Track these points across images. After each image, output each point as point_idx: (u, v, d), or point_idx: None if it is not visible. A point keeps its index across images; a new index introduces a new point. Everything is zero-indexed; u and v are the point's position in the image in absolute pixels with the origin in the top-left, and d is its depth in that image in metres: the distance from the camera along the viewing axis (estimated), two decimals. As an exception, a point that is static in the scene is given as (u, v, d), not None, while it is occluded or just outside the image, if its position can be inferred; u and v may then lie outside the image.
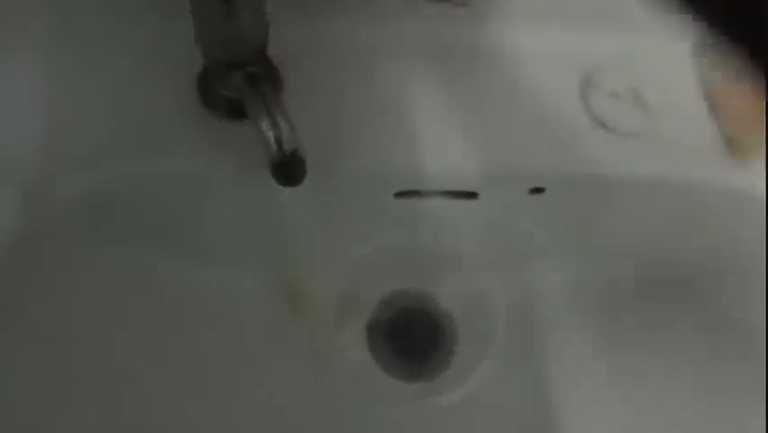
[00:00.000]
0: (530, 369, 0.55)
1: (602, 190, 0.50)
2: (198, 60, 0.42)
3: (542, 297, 0.57)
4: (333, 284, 0.55)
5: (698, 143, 0.51)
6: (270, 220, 0.47)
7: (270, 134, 0.38)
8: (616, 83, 0.52)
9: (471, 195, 0.50)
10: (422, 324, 0.57)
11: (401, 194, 0.49)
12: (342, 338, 0.56)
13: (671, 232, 0.53)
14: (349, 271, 0.55)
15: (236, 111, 0.42)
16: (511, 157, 0.48)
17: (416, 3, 0.51)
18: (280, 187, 0.41)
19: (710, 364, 0.54)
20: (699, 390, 0.52)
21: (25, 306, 0.42)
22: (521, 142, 0.49)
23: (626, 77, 0.52)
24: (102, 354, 0.45)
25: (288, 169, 0.39)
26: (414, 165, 0.47)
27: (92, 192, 0.42)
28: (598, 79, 0.51)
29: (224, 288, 0.51)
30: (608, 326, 0.56)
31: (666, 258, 0.54)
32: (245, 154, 0.43)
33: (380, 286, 0.57)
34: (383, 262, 0.55)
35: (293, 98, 0.44)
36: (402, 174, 0.48)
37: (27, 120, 0.43)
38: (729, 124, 0.53)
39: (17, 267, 0.41)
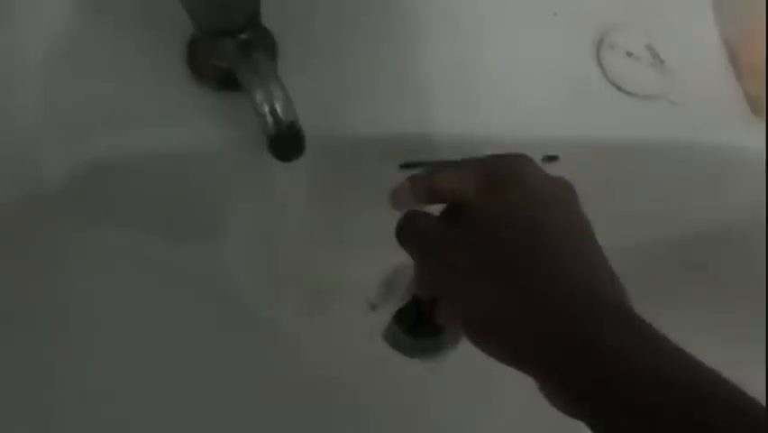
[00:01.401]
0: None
1: (619, 156, 0.48)
2: (188, 28, 0.40)
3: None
4: (333, 261, 0.53)
5: (719, 103, 0.49)
6: (267, 196, 0.45)
7: (265, 107, 0.35)
8: (632, 42, 0.49)
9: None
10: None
11: (407, 165, 0.47)
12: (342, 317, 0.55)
13: (690, 198, 0.51)
14: (349, 250, 0.53)
15: (229, 82, 0.39)
16: (523, 123, 0.45)
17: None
18: (277, 161, 0.38)
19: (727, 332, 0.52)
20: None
21: (12, 282, 0.40)
22: (533, 107, 0.46)
23: (641, 34, 0.49)
24: (90, 333, 0.44)
25: (286, 142, 0.37)
26: (420, 135, 0.44)
27: (78, 167, 0.40)
28: (613, 39, 0.48)
29: (215, 265, 0.49)
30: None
31: (688, 224, 0.52)
32: (239, 128, 0.41)
33: (382, 264, 0.55)
34: (387, 239, 0.53)
35: (289, 67, 0.42)
36: (408, 144, 0.45)
37: (11, 94, 0.40)
38: (752, 81, 0.50)
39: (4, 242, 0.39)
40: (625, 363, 0.25)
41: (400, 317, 0.41)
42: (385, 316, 0.42)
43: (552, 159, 0.47)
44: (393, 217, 0.52)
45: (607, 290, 0.28)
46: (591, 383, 0.26)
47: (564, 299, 0.27)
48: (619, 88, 0.47)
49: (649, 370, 0.25)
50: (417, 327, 0.40)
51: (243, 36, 0.38)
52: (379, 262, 0.55)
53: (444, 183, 0.33)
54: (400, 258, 0.53)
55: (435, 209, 0.35)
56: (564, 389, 0.27)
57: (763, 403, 0.24)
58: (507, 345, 0.29)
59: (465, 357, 0.34)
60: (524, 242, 0.29)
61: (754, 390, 0.24)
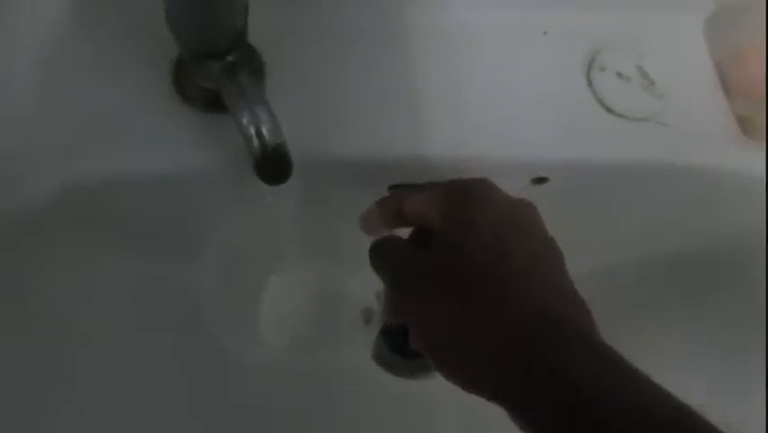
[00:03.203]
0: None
1: (609, 177, 0.47)
2: (174, 48, 0.39)
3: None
4: (325, 282, 0.52)
5: (710, 125, 0.49)
6: (255, 218, 0.44)
7: (251, 129, 0.35)
8: (622, 63, 0.49)
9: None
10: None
11: (396, 187, 0.46)
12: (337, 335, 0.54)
13: (682, 220, 0.51)
14: (341, 270, 0.52)
15: (215, 103, 0.39)
16: (513, 145, 0.45)
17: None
18: (264, 184, 0.38)
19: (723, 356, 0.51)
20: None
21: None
22: (523, 128, 0.45)
23: (632, 55, 0.49)
24: (67, 351, 0.43)
25: (272, 165, 0.36)
26: (409, 156, 0.44)
27: (62, 186, 0.39)
28: (603, 60, 0.48)
29: (198, 286, 0.49)
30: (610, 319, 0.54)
31: (677, 247, 0.52)
32: (226, 150, 0.40)
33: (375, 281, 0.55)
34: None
35: (277, 88, 0.41)
36: (396, 166, 0.44)
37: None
38: (743, 103, 0.50)
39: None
40: (587, 390, 0.25)
41: (385, 337, 0.40)
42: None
43: (541, 180, 0.47)
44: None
45: (571, 314, 0.28)
46: (553, 410, 0.26)
47: (527, 323, 0.27)
48: (609, 110, 0.47)
49: (611, 397, 0.25)
50: (403, 347, 0.39)
51: (230, 58, 0.37)
52: (369, 283, 0.54)
53: (412, 207, 0.34)
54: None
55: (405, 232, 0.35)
56: (523, 413, 0.27)
57: None
58: (468, 370, 0.29)
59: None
60: (487, 266, 0.29)
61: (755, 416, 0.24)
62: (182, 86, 0.41)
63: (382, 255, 0.34)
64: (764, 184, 0.47)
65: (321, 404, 0.51)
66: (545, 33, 0.49)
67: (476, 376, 0.28)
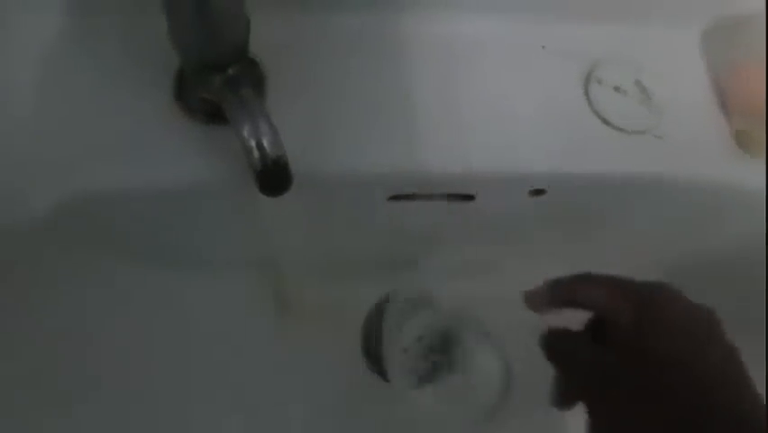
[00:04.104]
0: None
1: (606, 190, 0.48)
2: (176, 61, 0.40)
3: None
4: (325, 290, 0.52)
5: (707, 138, 0.49)
6: (255, 228, 0.45)
7: (252, 141, 0.35)
8: (620, 77, 0.49)
9: (468, 197, 0.47)
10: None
11: (395, 197, 0.46)
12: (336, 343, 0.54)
13: (680, 233, 0.51)
14: (342, 278, 0.52)
15: (217, 115, 0.39)
16: (510, 157, 0.45)
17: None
18: (265, 196, 0.38)
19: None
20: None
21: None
22: (520, 141, 0.46)
23: (630, 69, 0.50)
24: (72, 363, 0.44)
25: (273, 177, 0.37)
26: (408, 168, 0.44)
27: (65, 199, 0.40)
28: (601, 74, 0.49)
29: (204, 295, 0.49)
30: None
31: (675, 259, 0.52)
32: (227, 161, 0.40)
33: (376, 291, 0.55)
34: (378, 268, 0.53)
35: (277, 101, 0.42)
36: (395, 177, 0.45)
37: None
38: (740, 117, 0.50)
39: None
40: None
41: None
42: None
43: (539, 192, 0.47)
44: (380, 249, 0.52)
45: (759, 417, 0.29)
46: None
47: (721, 428, 0.29)
48: (606, 123, 0.47)
49: None
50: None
51: (231, 71, 0.38)
52: (368, 290, 0.55)
53: (590, 299, 0.34)
54: (387, 286, 0.53)
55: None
56: None
57: None
58: None
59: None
60: (679, 376, 0.30)
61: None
62: (183, 98, 0.41)
63: (565, 347, 0.35)
64: (764, 198, 0.47)
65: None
66: (544, 47, 0.49)
67: None
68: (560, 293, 0.36)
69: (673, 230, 0.51)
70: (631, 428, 0.30)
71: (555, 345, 0.36)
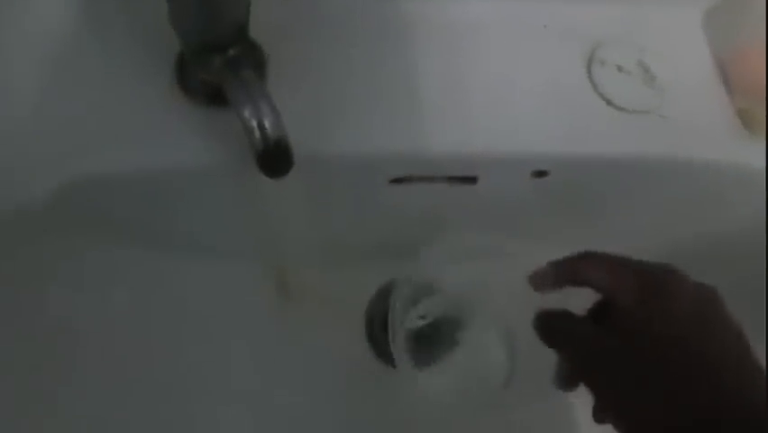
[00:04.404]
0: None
1: (609, 170, 0.47)
2: (176, 43, 0.39)
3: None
4: (327, 275, 0.52)
5: (710, 118, 0.49)
6: (256, 211, 0.45)
7: (253, 123, 0.35)
8: (623, 57, 0.49)
9: (471, 180, 0.47)
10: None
11: (397, 180, 0.46)
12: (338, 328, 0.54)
13: (682, 213, 0.51)
14: (343, 263, 0.52)
15: (218, 97, 0.39)
16: (513, 139, 0.45)
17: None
18: (266, 178, 0.38)
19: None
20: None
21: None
22: (523, 122, 0.46)
23: (633, 49, 0.49)
24: (74, 346, 0.44)
25: (274, 158, 0.36)
26: (411, 150, 0.44)
27: (67, 182, 0.40)
28: (604, 54, 0.48)
29: (205, 280, 0.49)
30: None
31: (676, 240, 0.52)
32: (228, 143, 0.40)
33: (377, 276, 0.55)
34: (380, 252, 0.52)
35: (278, 82, 0.42)
36: (397, 159, 0.45)
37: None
38: (743, 96, 0.50)
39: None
40: None
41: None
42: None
43: (542, 174, 0.47)
44: (381, 233, 0.52)
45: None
46: None
47: (727, 410, 0.28)
48: (609, 103, 0.47)
49: None
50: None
51: (231, 52, 0.38)
52: (370, 275, 0.55)
53: (594, 277, 0.34)
54: (389, 271, 0.53)
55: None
56: None
57: None
58: None
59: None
60: (685, 359, 0.30)
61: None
62: (184, 80, 0.41)
63: (566, 330, 0.35)
64: (765, 177, 0.47)
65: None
66: (546, 27, 0.49)
67: None
68: (564, 271, 0.36)
69: (677, 209, 0.51)
70: (637, 409, 0.30)
71: (548, 325, 0.35)
